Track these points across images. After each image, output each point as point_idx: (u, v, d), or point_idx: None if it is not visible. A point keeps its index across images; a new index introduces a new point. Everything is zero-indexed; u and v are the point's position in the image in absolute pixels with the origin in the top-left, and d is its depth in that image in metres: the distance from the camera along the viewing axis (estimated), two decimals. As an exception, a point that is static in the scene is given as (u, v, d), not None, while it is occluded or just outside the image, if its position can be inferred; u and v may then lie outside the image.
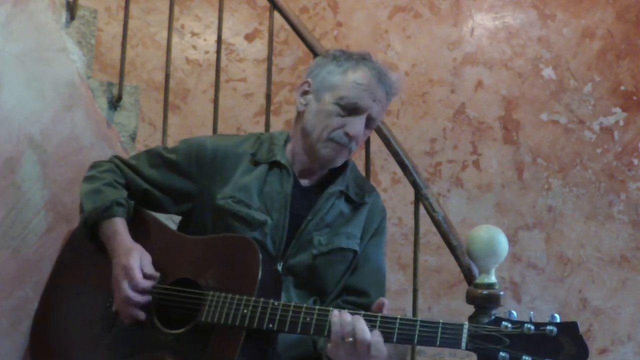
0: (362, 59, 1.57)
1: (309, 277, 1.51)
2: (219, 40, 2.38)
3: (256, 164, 1.56)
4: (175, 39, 3.11)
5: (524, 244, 3.41)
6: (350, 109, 1.51)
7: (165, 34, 2.60)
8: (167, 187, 1.59)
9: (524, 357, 1.14)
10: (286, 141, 1.61)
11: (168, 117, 2.34)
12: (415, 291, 2.13)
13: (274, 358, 1.43)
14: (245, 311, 1.31)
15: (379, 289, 1.59)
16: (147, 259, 1.47)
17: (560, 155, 3.45)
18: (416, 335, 1.22)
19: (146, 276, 1.44)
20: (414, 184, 2.09)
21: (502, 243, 1.67)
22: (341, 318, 1.26)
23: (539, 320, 1.18)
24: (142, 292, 1.42)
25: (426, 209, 2.05)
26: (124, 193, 1.57)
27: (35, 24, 1.87)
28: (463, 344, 1.18)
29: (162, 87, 2.59)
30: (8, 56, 1.71)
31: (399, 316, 1.26)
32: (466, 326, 1.20)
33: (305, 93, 1.59)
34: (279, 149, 1.58)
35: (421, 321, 1.23)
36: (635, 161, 3.41)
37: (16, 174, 1.72)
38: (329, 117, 1.51)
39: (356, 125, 1.50)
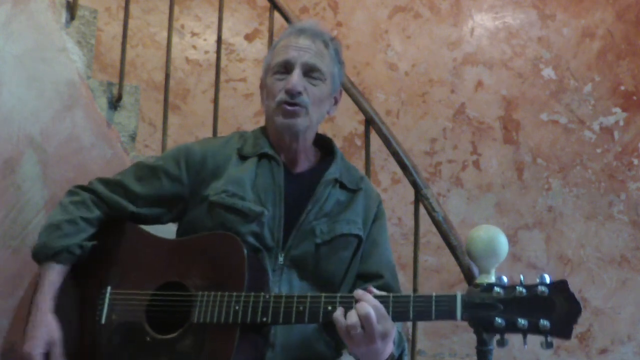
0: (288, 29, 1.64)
1: (314, 267, 1.51)
2: (219, 40, 2.38)
3: (244, 158, 1.57)
4: (175, 39, 3.11)
5: (524, 244, 3.41)
6: (283, 69, 1.55)
7: (165, 34, 2.60)
8: (157, 198, 1.57)
9: (519, 320, 1.16)
10: (268, 135, 1.63)
11: (168, 117, 2.34)
12: (415, 291, 2.13)
13: (272, 358, 1.41)
14: (237, 307, 1.31)
15: (391, 269, 1.63)
16: (57, 347, 1.42)
17: (560, 155, 3.44)
18: (411, 311, 1.23)
19: None
20: (414, 184, 2.09)
21: (502, 243, 1.67)
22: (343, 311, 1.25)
23: (530, 282, 1.22)
24: None
25: (426, 209, 2.05)
26: (83, 235, 1.51)
27: (35, 24, 1.87)
28: (458, 315, 1.19)
29: (162, 87, 2.59)
30: (8, 56, 1.71)
31: (391, 294, 1.26)
32: (459, 296, 1.20)
33: (262, 91, 1.65)
34: (264, 141, 1.59)
35: (415, 296, 1.24)
36: (635, 161, 3.40)
37: (16, 174, 1.72)
38: (273, 87, 1.55)
39: (291, 79, 1.52)
